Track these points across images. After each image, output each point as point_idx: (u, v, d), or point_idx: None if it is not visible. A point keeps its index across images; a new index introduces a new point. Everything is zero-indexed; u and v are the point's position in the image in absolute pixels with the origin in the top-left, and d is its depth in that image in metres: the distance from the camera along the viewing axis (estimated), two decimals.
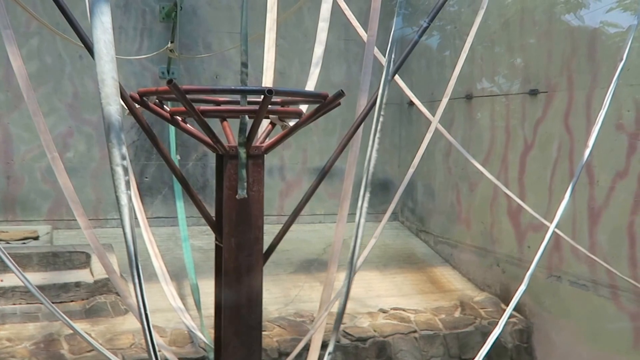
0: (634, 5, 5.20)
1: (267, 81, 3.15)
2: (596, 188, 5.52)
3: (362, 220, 1.77)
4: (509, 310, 2.74)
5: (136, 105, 2.37)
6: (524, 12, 6.43)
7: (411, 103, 5.86)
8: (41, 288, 5.14)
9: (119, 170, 1.40)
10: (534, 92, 6.26)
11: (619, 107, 5.23)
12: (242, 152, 2.24)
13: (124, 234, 1.38)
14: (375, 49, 3.31)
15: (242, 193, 2.25)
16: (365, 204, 1.84)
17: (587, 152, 2.99)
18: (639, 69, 5.11)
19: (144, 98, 2.32)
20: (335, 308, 3.11)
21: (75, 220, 2.94)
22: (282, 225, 2.63)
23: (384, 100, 1.79)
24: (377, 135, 1.78)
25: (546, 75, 6.12)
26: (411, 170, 4.31)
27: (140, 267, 1.43)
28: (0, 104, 7.11)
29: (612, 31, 5.44)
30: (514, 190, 6.20)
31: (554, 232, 2.95)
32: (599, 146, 5.31)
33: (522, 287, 2.80)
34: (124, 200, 1.39)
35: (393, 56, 1.91)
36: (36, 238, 6.71)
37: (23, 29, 7.06)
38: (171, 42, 6.88)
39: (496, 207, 6.80)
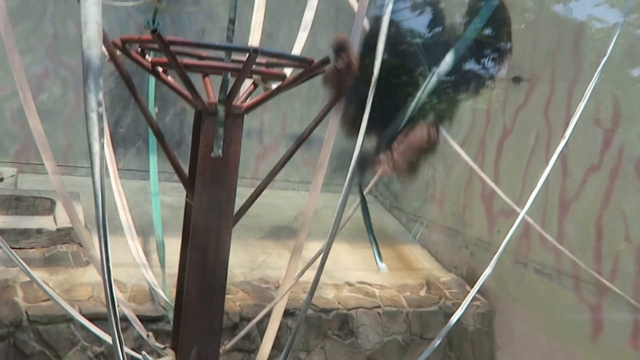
0: (621, 3, 5.19)
1: (254, 41, 3.09)
2: (569, 180, 5.55)
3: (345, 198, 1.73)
4: (473, 292, 2.75)
5: (117, 52, 2.29)
6: None
7: None
8: (0, 232, 5.02)
9: (94, 117, 1.35)
10: (517, 80, 6.24)
11: (598, 103, 5.25)
12: (222, 110, 2.19)
13: (93, 182, 1.33)
14: (365, 20, 3.25)
15: (217, 152, 2.21)
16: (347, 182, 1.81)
17: (562, 142, 2.99)
18: (621, 67, 5.12)
19: (127, 46, 2.25)
20: (302, 277, 3.10)
21: (43, 165, 2.87)
22: (255, 188, 2.59)
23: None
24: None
25: (531, 64, 6.10)
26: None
27: (106, 217, 1.38)
28: None
29: (598, 26, 5.44)
30: (489, 174, 6.22)
31: (523, 219, 2.95)
32: (575, 139, 5.33)
33: (488, 271, 2.81)
34: (96, 147, 1.34)
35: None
36: (0, 180, 6.56)
37: None
38: None
39: (470, 189, 6.82)
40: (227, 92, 2.20)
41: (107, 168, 3.61)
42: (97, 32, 1.36)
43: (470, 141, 6.81)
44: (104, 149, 1.34)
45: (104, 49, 2.19)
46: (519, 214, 2.96)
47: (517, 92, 6.25)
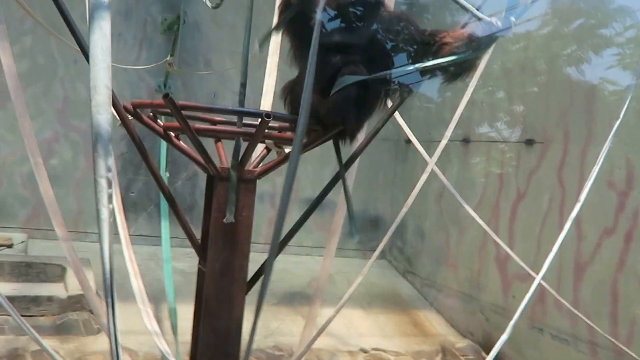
0: (633, 65, 5.22)
1: (266, 105, 3.10)
2: (583, 243, 5.47)
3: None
4: (490, 359, 2.68)
5: (129, 116, 2.30)
6: (526, 61, 6.44)
7: (408, 141, 5.82)
8: (11, 299, 4.93)
9: (103, 183, 1.32)
10: (530, 142, 6.24)
11: (611, 165, 5.21)
12: (234, 175, 2.17)
13: (101, 249, 1.30)
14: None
15: (230, 217, 2.18)
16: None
17: (578, 206, 2.97)
18: (634, 128, 5.10)
19: (138, 110, 2.25)
20: (316, 345, 3.03)
21: (54, 230, 2.85)
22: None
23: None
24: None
25: (543, 126, 6.11)
26: (404, 210, 4.25)
27: (114, 285, 1.34)
28: None
29: (611, 88, 5.45)
30: (503, 238, 6.13)
31: (539, 283, 2.90)
32: (588, 201, 5.25)
33: (504, 337, 2.75)
34: (104, 214, 1.31)
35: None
36: (10, 246, 6.52)
37: (17, 26, 6.86)
38: (171, 56, 6.81)
39: (484, 253, 6.73)
40: (240, 157, 2.18)
41: (118, 233, 3.59)
42: (107, 97, 1.35)
43: (484, 205, 6.76)
44: (112, 215, 1.32)
45: (114, 112, 2.19)
46: (534, 278, 2.90)
47: (530, 154, 6.24)
